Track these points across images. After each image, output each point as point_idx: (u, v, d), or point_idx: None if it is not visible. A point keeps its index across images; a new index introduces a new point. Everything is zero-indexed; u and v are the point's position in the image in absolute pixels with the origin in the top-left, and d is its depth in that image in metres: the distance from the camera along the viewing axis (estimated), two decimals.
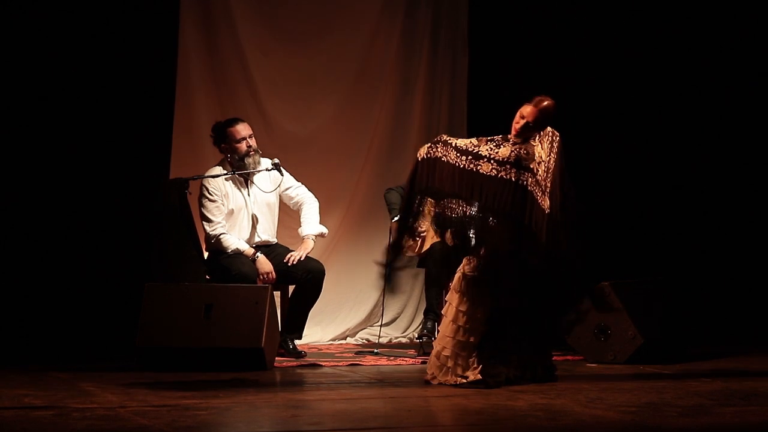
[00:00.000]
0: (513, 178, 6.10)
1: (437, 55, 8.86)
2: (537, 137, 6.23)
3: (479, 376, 6.00)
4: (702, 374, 6.50)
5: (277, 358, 7.07)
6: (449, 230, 6.16)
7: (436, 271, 7.73)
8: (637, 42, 8.77)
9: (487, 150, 6.13)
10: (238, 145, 7.45)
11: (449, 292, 6.28)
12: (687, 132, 8.80)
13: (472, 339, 6.10)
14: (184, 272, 7.09)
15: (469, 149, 6.13)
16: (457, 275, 6.23)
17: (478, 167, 6.10)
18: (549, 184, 6.16)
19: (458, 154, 6.11)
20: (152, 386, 5.98)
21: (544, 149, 6.21)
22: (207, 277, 7.33)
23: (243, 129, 7.48)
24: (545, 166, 6.19)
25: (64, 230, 7.65)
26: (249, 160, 7.45)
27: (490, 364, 6.04)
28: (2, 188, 7.60)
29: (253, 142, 7.48)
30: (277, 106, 8.56)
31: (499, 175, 6.10)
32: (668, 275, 7.81)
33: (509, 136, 6.21)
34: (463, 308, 6.14)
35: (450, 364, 6.11)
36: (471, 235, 6.15)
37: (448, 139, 6.19)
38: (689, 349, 7.44)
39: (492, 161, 6.11)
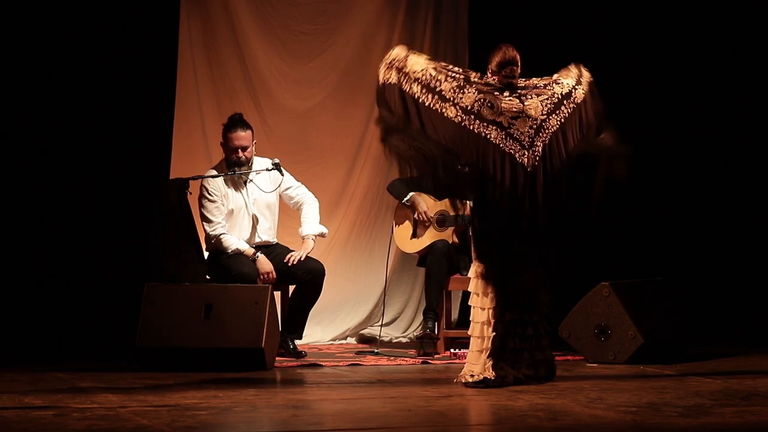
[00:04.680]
0: (475, 130, 6.04)
1: (437, 54, 8.85)
2: (542, 85, 6.24)
3: (492, 374, 5.98)
4: (702, 374, 6.50)
5: (277, 358, 7.07)
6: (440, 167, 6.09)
7: (436, 270, 7.73)
8: (638, 41, 8.76)
9: (450, 92, 6.04)
10: (228, 152, 7.44)
11: (471, 296, 6.26)
12: (687, 131, 8.79)
13: (486, 343, 6.10)
14: (184, 272, 7.10)
15: (432, 85, 6.03)
16: (473, 277, 6.21)
17: (443, 110, 6.04)
18: (542, 142, 6.12)
19: (422, 89, 6.02)
20: (152, 386, 5.98)
21: (541, 105, 6.18)
22: (207, 277, 7.33)
23: (238, 139, 7.39)
24: (534, 124, 6.14)
25: (65, 230, 7.66)
26: (235, 169, 7.43)
27: (499, 365, 6.03)
28: (2, 188, 7.61)
29: (247, 152, 7.42)
30: (276, 106, 8.56)
31: (462, 124, 6.04)
32: (668, 275, 7.81)
33: (490, 79, 6.16)
34: (480, 306, 6.15)
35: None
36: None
37: (403, 65, 6.07)
38: (689, 349, 7.43)
39: (457, 107, 6.04)
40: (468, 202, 6.68)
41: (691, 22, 8.76)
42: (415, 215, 7.87)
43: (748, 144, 8.79)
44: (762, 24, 8.74)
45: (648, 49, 8.78)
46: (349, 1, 8.72)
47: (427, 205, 7.87)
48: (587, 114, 6.30)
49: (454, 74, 6.12)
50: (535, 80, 6.31)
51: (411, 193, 7.87)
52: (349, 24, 8.69)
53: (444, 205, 7.84)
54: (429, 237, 7.87)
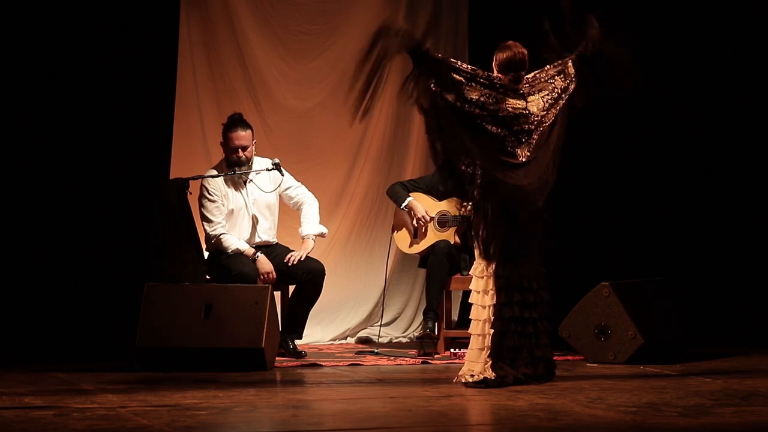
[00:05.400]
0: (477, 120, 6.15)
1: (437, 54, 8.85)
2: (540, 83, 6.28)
3: (492, 374, 5.99)
4: (702, 374, 6.50)
5: (277, 358, 7.07)
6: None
7: (437, 270, 7.73)
8: (638, 40, 8.75)
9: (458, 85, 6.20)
10: (228, 152, 7.44)
11: (471, 294, 6.27)
12: (687, 131, 8.78)
13: (486, 341, 6.11)
14: (184, 272, 7.10)
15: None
16: (475, 276, 6.22)
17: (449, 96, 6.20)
18: (538, 135, 6.23)
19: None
20: (152, 386, 5.99)
21: (542, 101, 6.26)
22: (207, 277, 7.33)
23: (238, 138, 7.39)
24: (535, 120, 6.23)
25: (65, 230, 7.66)
26: (235, 169, 7.43)
27: (498, 365, 6.03)
28: (3, 188, 7.61)
29: (248, 152, 7.43)
30: (276, 106, 8.56)
31: (462, 108, 6.17)
32: (668, 275, 7.81)
33: (496, 79, 6.23)
34: (482, 304, 6.16)
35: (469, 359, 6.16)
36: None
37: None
38: (689, 349, 7.44)
39: (460, 98, 6.18)
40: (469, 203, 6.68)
41: (691, 22, 8.76)
42: (413, 222, 7.86)
43: (748, 144, 8.78)
44: (762, 24, 8.74)
45: (648, 48, 8.77)
46: (349, 0, 8.72)
47: (427, 205, 7.86)
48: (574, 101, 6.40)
49: (462, 71, 6.24)
50: (538, 73, 6.33)
51: (408, 199, 7.86)
52: (349, 24, 8.69)
53: (445, 205, 7.84)
54: (430, 237, 7.86)
